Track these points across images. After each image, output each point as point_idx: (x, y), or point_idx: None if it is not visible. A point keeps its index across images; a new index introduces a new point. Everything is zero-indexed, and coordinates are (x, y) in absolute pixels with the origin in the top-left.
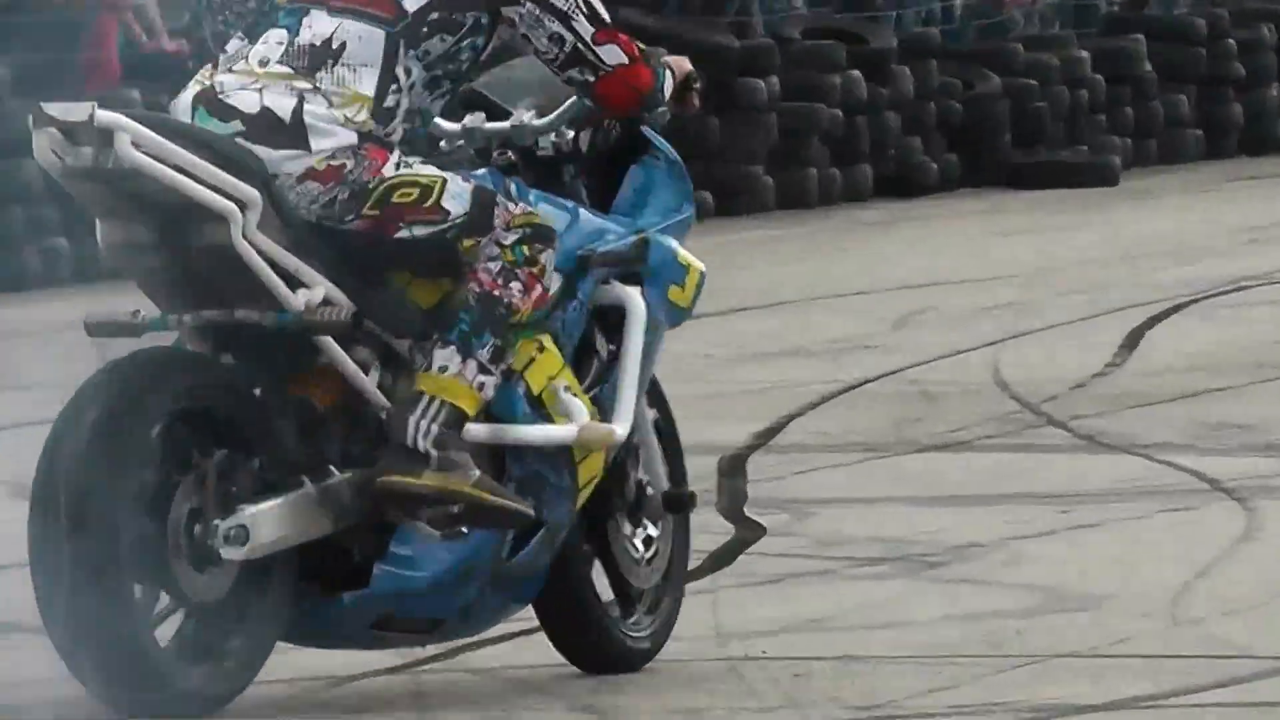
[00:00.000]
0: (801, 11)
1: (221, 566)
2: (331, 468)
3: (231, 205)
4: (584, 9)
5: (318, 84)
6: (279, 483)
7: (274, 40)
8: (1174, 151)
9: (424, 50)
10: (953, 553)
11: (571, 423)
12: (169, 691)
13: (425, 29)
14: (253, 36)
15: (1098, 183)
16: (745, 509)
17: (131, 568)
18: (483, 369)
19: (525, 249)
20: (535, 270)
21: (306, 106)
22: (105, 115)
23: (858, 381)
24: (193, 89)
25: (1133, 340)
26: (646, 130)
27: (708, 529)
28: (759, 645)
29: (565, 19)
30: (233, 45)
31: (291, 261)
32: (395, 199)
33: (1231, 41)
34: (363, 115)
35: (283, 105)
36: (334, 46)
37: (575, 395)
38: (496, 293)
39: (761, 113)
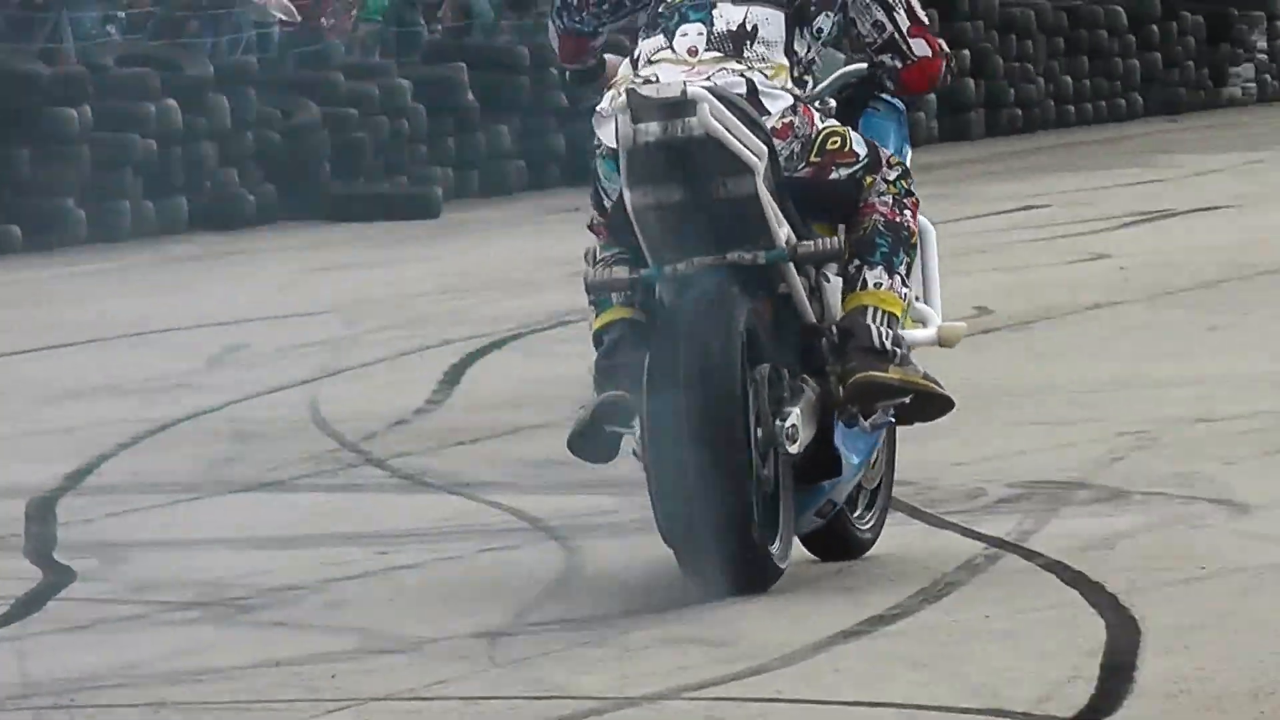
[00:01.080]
0: (116, 38)
1: (778, 459)
2: (814, 374)
3: (756, 159)
4: (904, 5)
5: (748, 62)
6: (795, 389)
7: (694, 33)
8: (496, 183)
9: (816, 28)
10: (269, 595)
11: (929, 326)
12: (764, 564)
13: (812, 8)
14: (667, 33)
15: (419, 215)
16: (54, 553)
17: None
18: (904, 282)
19: (904, 183)
20: (916, 198)
21: (754, 78)
22: (693, 89)
23: (172, 420)
24: (623, 87)
25: (454, 376)
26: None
27: (16, 575)
28: (69, 694)
29: (889, 10)
30: (649, 44)
31: (774, 205)
32: (829, 146)
33: (554, 71)
34: (788, 82)
35: (732, 82)
36: (749, 29)
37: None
38: (898, 219)
39: (73, 143)
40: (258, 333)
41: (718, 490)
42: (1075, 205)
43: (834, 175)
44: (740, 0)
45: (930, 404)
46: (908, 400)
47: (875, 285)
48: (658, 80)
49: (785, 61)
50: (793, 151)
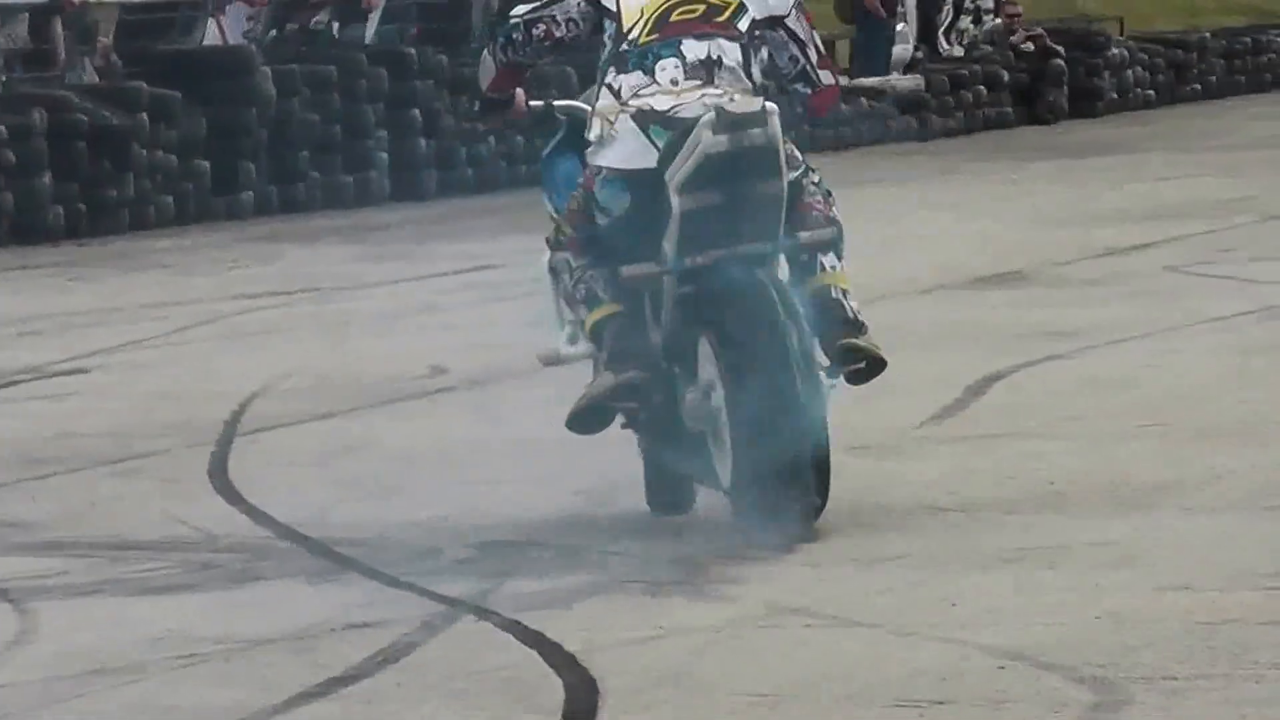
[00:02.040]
0: None
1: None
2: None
3: (786, 165)
4: (815, 42)
5: (721, 87)
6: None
7: (671, 66)
8: None
9: (762, 58)
10: None
11: None
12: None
13: (756, 41)
14: (645, 70)
15: None
16: None
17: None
18: (843, 264)
19: (823, 184)
20: (833, 196)
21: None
22: (769, 104)
23: None
24: (620, 117)
25: None
26: None
27: None
28: None
29: (802, 46)
30: (632, 81)
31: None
32: (792, 153)
33: (2, 128)
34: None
35: (751, 104)
36: (714, 58)
37: None
38: (831, 214)
39: None
40: None
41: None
42: (529, 265)
43: (789, 177)
44: (702, 36)
45: (876, 367)
46: (866, 364)
47: (831, 268)
48: (660, 107)
49: (749, 84)
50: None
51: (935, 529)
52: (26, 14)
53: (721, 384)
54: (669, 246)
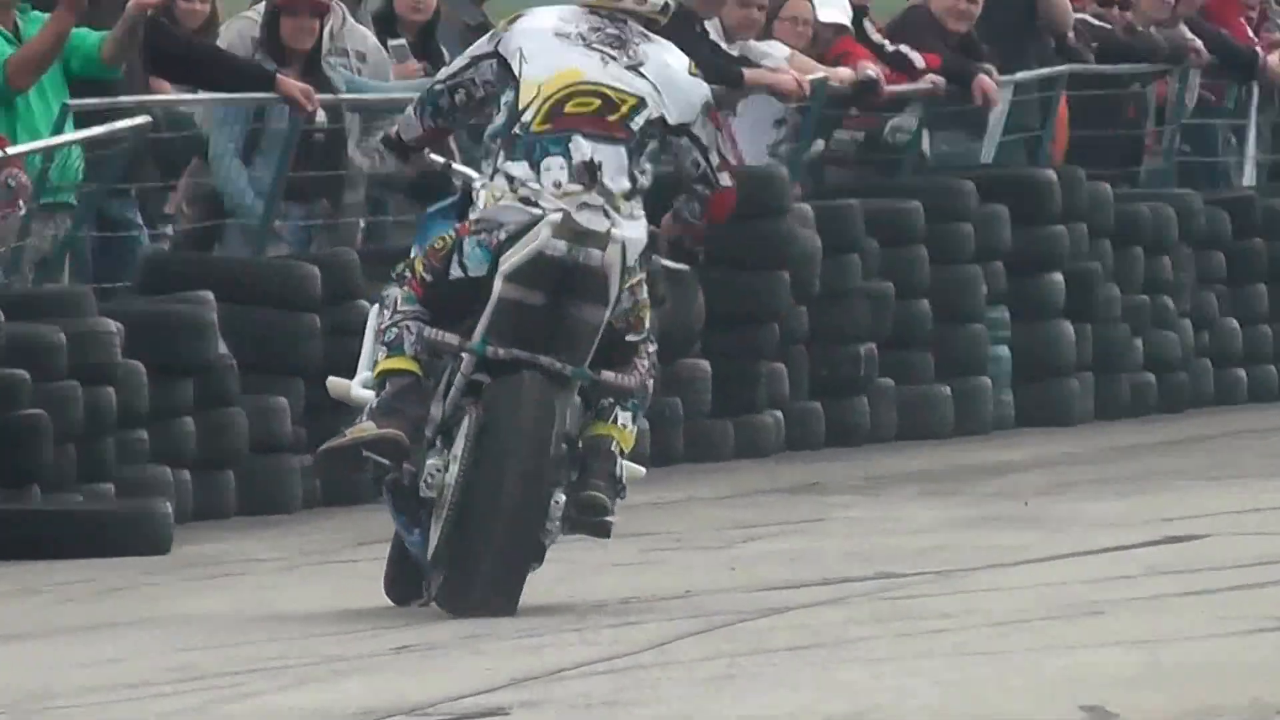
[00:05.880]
0: None
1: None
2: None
3: (614, 299)
4: (717, 147)
5: (602, 193)
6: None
7: (556, 166)
8: None
9: (648, 155)
10: None
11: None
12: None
13: (644, 141)
14: (532, 164)
15: None
16: None
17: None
18: (635, 431)
19: (654, 356)
20: (657, 374)
21: (611, 212)
22: (616, 231)
23: None
24: (506, 201)
25: None
26: None
27: None
28: None
29: (704, 152)
30: (517, 171)
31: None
32: (640, 314)
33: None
34: (637, 205)
35: (595, 219)
36: (597, 163)
37: None
38: (647, 384)
39: None
40: None
41: (515, 537)
42: None
43: (630, 336)
44: (590, 136)
45: (605, 529)
46: (609, 520)
47: (623, 425)
48: (573, 213)
49: (629, 186)
50: (626, 307)
51: None
52: None
53: (463, 461)
54: (479, 328)
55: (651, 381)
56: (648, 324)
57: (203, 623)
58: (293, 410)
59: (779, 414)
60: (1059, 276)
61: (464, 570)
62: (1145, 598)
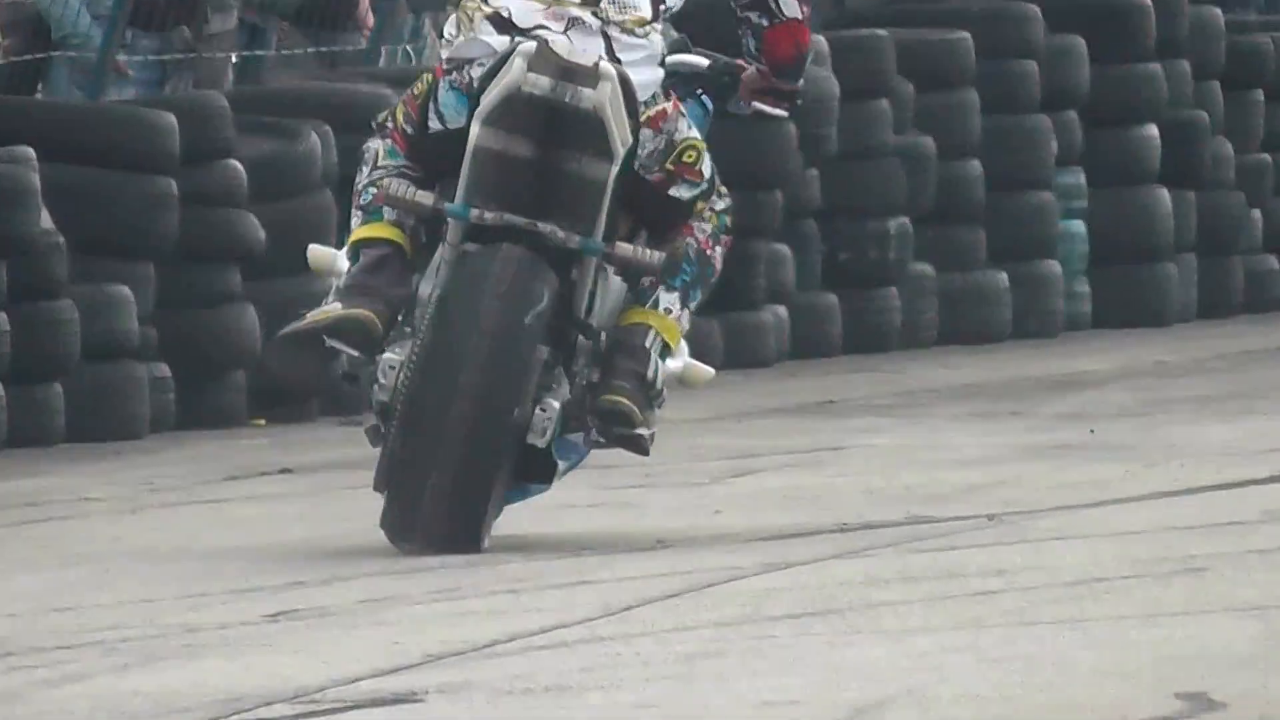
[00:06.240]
0: None
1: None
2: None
3: (621, 150)
4: None
5: (606, 13)
6: (558, 379)
7: None
8: None
9: None
10: None
11: (678, 360)
12: (477, 540)
13: None
14: None
15: None
16: None
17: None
18: (689, 317)
19: (728, 219)
20: (730, 239)
21: (611, 33)
22: (605, 65)
23: None
24: (478, 17)
25: None
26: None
27: None
28: None
29: None
30: None
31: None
32: (684, 159)
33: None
34: (652, 34)
35: (590, 40)
36: None
37: None
38: (709, 253)
39: None
40: None
41: (470, 456)
42: None
43: (675, 191)
44: None
45: (639, 445)
46: (647, 432)
47: (665, 310)
48: (564, 38)
49: (649, 13)
50: (655, 149)
51: None
52: None
53: (413, 353)
54: (460, 187)
55: (719, 250)
56: (706, 170)
57: (15, 582)
58: (140, 304)
59: (781, 310)
60: (1153, 130)
61: (409, 490)
62: (1260, 550)
